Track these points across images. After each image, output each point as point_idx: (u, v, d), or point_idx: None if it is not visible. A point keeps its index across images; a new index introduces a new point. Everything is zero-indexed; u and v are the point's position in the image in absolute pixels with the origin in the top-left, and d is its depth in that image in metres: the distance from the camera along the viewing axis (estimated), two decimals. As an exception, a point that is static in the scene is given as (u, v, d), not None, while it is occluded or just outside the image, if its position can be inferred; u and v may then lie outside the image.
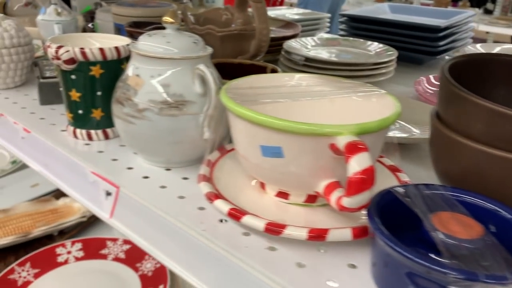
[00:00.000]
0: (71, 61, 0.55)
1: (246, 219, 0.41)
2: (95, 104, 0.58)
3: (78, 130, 0.60)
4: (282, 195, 0.46)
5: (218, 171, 0.50)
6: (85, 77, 0.57)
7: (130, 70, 0.52)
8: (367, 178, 0.35)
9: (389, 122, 0.40)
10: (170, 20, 0.52)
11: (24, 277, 0.92)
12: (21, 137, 0.63)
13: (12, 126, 0.65)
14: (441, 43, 1.00)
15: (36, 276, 0.93)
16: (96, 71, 0.56)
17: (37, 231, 1.02)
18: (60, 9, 0.85)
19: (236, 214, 0.41)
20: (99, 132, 0.60)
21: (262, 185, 0.48)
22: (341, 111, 0.48)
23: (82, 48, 0.55)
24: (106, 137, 0.61)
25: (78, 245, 0.96)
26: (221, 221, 0.45)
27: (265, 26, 0.66)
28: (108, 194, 0.51)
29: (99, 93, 0.58)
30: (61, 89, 0.59)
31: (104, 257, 0.95)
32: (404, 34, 1.03)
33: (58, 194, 1.17)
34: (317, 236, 0.39)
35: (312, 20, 1.27)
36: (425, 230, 0.35)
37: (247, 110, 0.40)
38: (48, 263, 0.93)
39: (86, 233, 1.08)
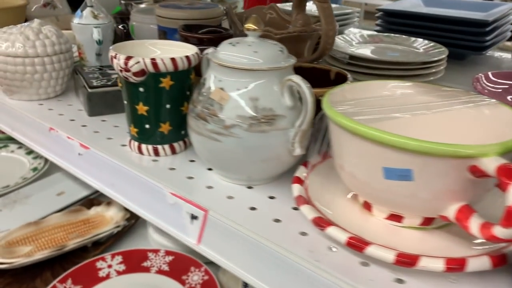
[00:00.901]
0: (141, 73, 0.50)
1: (371, 250, 0.37)
2: (163, 118, 0.54)
3: (144, 146, 0.56)
4: (395, 218, 0.42)
5: (312, 189, 0.46)
6: (155, 90, 0.52)
7: (210, 82, 0.48)
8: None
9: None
10: (253, 27, 0.48)
11: (66, 294, 0.88)
12: (78, 153, 0.59)
13: (66, 142, 0.61)
14: (488, 37, 0.96)
15: (78, 292, 0.89)
16: (166, 82, 0.52)
17: (72, 244, 0.98)
18: (96, 11, 0.80)
19: (357, 244, 0.38)
20: (167, 147, 0.56)
21: (367, 206, 0.44)
22: (453, 125, 0.44)
23: (153, 59, 0.50)
24: (173, 152, 0.57)
25: (119, 258, 0.92)
26: (330, 248, 0.41)
27: (332, 27, 0.62)
28: (194, 217, 0.47)
29: (168, 106, 0.54)
30: (125, 102, 0.55)
31: (146, 270, 0.91)
32: (447, 29, 0.99)
33: (88, 202, 1.13)
34: (456, 267, 0.35)
35: (342, 15, 1.23)
36: None
37: (372, 129, 0.36)
38: (89, 279, 0.89)
39: (121, 243, 1.04)
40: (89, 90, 0.66)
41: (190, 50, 0.56)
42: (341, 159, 0.42)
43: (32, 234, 1.01)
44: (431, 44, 0.92)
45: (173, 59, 0.51)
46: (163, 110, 0.54)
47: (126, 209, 1.08)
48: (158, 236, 1.02)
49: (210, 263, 0.93)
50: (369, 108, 0.45)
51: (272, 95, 0.46)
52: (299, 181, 0.47)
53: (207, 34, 0.64)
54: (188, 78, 0.54)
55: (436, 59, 0.84)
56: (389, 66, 0.84)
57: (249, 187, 0.51)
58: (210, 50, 0.53)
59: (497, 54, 1.13)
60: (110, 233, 1.04)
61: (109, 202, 1.09)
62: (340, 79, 0.59)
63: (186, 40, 0.64)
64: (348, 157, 0.41)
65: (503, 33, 1.06)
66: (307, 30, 0.68)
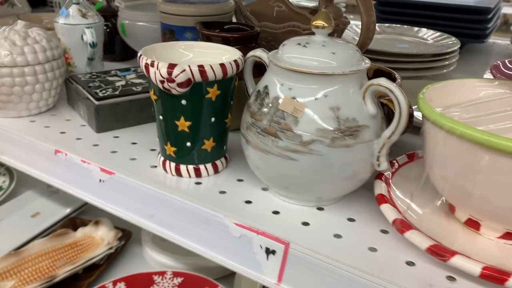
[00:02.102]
0: (186, 83, 0.42)
1: (517, 282, 0.32)
2: (207, 134, 0.46)
3: (183, 166, 0.48)
4: (510, 236, 0.37)
5: (403, 207, 0.40)
6: (200, 102, 0.44)
7: (277, 91, 0.41)
8: None
9: None
10: (323, 23, 0.41)
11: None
12: (98, 180, 0.50)
13: (81, 167, 0.51)
14: (489, 25, 0.94)
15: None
16: (212, 93, 0.44)
17: (62, 272, 0.87)
18: (84, 9, 0.70)
19: (495, 276, 0.32)
20: (209, 166, 0.48)
21: (473, 224, 0.39)
22: None
23: (201, 66, 0.42)
24: (216, 171, 0.49)
25: (122, 286, 0.83)
26: (450, 279, 0.35)
27: (373, 20, 0.57)
28: (270, 252, 0.40)
29: (213, 119, 0.46)
30: (160, 117, 0.46)
31: (155, 295, 0.82)
32: (447, 17, 0.96)
33: (71, 223, 1.02)
34: None
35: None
36: None
37: (515, 143, 0.30)
38: (92, 312, 0.79)
39: (116, 265, 0.94)
40: (97, 102, 0.57)
41: (227, 52, 0.49)
42: (449, 173, 0.36)
43: (14, 266, 0.89)
44: (440, 35, 0.89)
45: (222, 65, 0.43)
46: (208, 124, 0.46)
47: (117, 227, 0.98)
48: (157, 254, 0.93)
49: (222, 278, 0.86)
50: (480, 115, 0.40)
51: (353, 102, 0.40)
52: (385, 199, 0.41)
53: (233, 33, 0.56)
54: (232, 86, 0.47)
55: (449, 50, 0.81)
56: (398, 58, 0.80)
57: (319, 208, 0.44)
58: (258, 52, 0.46)
59: (491, 41, 1.12)
60: (103, 256, 0.94)
61: (97, 220, 0.98)
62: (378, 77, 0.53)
63: (208, 39, 0.56)
64: (465, 172, 0.35)
65: (498, 19, 1.05)
66: (339, 23, 0.61)
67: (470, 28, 0.94)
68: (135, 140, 0.56)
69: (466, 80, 0.44)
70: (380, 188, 0.42)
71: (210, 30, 0.57)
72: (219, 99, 0.45)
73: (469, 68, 0.89)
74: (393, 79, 0.54)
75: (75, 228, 0.99)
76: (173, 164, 0.48)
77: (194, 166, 0.48)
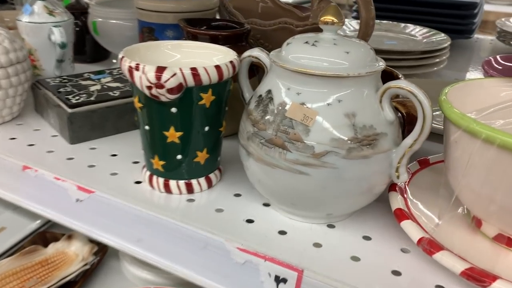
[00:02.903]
0: (177, 88, 0.37)
1: None
2: (200, 145, 0.41)
3: (173, 182, 0.42)
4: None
5: (424, 221, 0.36)
6: (192, 109, 0.39)
7: (282, 96, 0.36)
8: None
9: None
10: (332, 19, 0.36)
11: None
12: (75, 199, 0.44)
13: (54, 184, 0.45)
14: (475, 20, 0.92)
15: None
16: (207, 99, 0.39)
17: (33, 294, 0.80)
18: (51, 6, 0.63)
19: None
20: (202, 180, 0.43)
21: (504, 240, 0.35)
22: None
23: (194, 69, 0.37)
24: (210, 185, 0.44)
25: (101, 306, 0.76)
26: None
27: (372, 16, 0.52)
28: (281, 281, 0.35)
29: (207, 128, 0.41)
30: (145, 127, 0.41)
31: (139, 316, 0.76)
32: (432, 12, 0.94)
33: (41, 238, 0.94)
34: None
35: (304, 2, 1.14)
36: None
37: None
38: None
39: (93, 283, 0.88)
40: (69, 110, 0.50)
41: (219, 52, 0.44)
42: (486, 188, 0.32)
43: (-22, 289, 0.80)
44: (426, 30, 0.86)
45: (218, 68, 0.38)
46: (201, 134, 0.40)
47: (92, 241, 0.92)
48: (136, 269, 0.87)
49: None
50: (495, 118, 0.36)
51: (369, 108, 0.35)
52: (405, 215, 0.37)
53: (223, 30, 0.51)
54: (227, 90, 0.42)
55: (440, 47, 0.78)
56: (390, 56, 0.76)
57: (330, 226, 0.39)
58: (255, 51, 0.41)
59: (474, 37, 1.10)
60: (78, 273, 0.87)
61: (69, 234, 0.91)
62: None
63: (194, 38, 0.50)
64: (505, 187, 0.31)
65: (481, 15, 1.03)
66: (334, 20, 0.57)
67: (457, 23, 0.92)
68: (115, 151, 0.50)
69: (484, 80, 0.40)
70: (396, 201, 0.38)
71: (196, 27, 0.52)
72: (213, 105, 0.40)
73: (457, 64, 0.86)
74: (395, 78, 0.50)
75: (45, 244, 0.92)
76: (161, 180, 0.42)
77: (185, 181, 0.42)
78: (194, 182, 0.43)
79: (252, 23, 0.60)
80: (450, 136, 0.34)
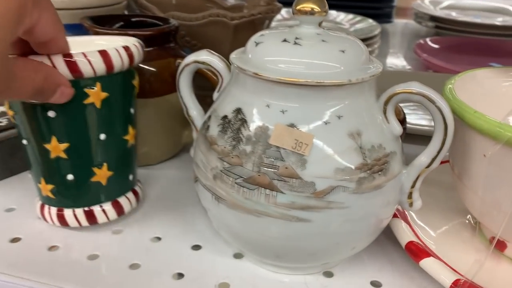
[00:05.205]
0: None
1: None
2: (96, 159, 0.30)
3: (68, 211, 0.31)
4: None
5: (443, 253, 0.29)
6: (78, 111, 0.28)
7: (260, 116, 0.26)
8: None
9: None
10: (313, 7, 0.27)
11: None
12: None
13: None
14: (394, 3, 0.89)
15: None
16: (95, 96, 0.28)
17: None
18: None
19: None
20: (108, 206, 0.32)
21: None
22: None
23: (67, 56, 0.26)
24: (120, 212, 0.33)
25: None
26: None
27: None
28: None
29: (102, 136, 0.30)
30: (24, 141, 0.29)
31: None
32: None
33: None
34: None
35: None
36: None
37: None
38: None
39: None
40: None
41: (122, 41, 0.33)
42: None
43: None
44: (351, 16, 0.80)
45: (104, 53, 0.27)
46: (94, 144, 0.30)
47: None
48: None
49: None
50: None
51: (373, 121, 0.27)
52: (424, 251, 0.29)
53: (142, 30, 0.39)
54: (130, 86, 0.31)
55: (372, 34, 0.72)
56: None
57: (327, 274, 0.31)
58: (203, 55, 0.30)
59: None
60: None
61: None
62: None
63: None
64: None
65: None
66: (274, 9, 0.48)
67: (377, 8, 0.88)
68: (12, 203, 0.36)
69: (477, 71, 0.34)
70: (404, 232, 0.31)
71: (105, 27, 0.39)
72: (106, 105, 0.29)
73: (386, 52, 0.82)
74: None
75: None
76: (53, 210, 0.31)
77: (85, 209, 0.31)
78: (96, 209, 0.31)
79: (174, 18, 0.49)
80: (477, 150, 0.27)
